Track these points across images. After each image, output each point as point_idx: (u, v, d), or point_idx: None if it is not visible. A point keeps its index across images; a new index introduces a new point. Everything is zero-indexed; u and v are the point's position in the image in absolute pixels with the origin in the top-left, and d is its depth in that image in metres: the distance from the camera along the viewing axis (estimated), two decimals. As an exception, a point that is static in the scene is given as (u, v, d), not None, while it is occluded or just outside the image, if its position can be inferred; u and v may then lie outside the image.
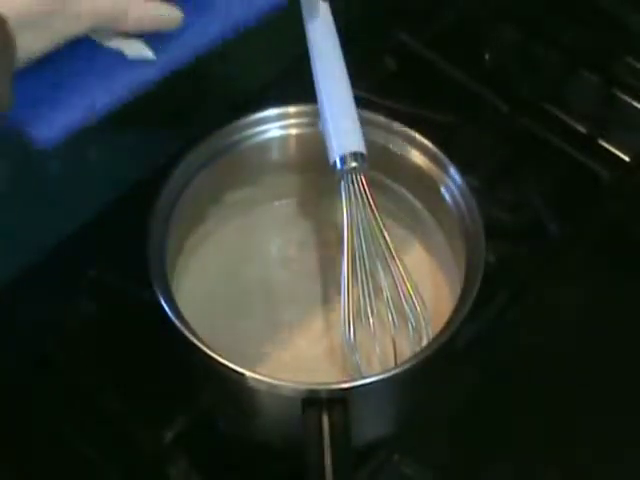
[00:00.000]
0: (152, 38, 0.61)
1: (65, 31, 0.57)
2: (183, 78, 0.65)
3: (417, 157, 0.75)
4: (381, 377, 0.64)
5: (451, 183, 0.73)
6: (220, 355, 0.64)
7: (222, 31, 0.64)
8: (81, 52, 0.59)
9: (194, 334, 0.65)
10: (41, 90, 0.58)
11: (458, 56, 0.93)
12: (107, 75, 0.60)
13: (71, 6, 0.56)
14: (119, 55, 0.61)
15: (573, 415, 0.74)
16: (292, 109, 0.77)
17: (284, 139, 0.77)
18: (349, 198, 0.70)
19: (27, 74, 0.57)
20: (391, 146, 0.76)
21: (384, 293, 0.70)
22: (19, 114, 0.57)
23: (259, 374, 0.65)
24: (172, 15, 0.61)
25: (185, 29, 0.62)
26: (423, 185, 0.75)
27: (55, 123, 0.58)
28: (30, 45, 0.55)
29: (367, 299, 0.69)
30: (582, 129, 0.90)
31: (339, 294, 0.71)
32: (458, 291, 0.68)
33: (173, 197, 0.72)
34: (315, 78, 0.74)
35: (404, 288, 0.70)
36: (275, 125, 0.76)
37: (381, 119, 0.76)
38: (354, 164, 0.70)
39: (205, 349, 0.64)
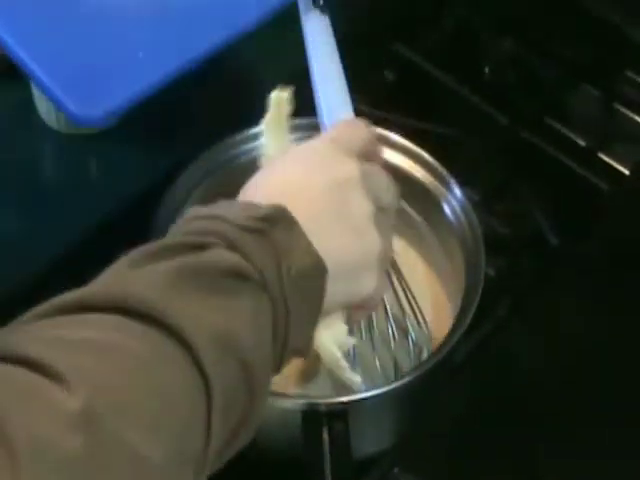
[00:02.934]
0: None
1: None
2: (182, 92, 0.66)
3: (417, 170, 0.75)
4: (381, 391, 0.64)
5: (451, 196, 0.73)
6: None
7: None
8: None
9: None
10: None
11: (458, 69, 0.94)
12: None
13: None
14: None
15: (574, 427, 0.73)
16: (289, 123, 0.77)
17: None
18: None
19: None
20: (391, 159, 0.76)
21: (384, 306, 0.70)
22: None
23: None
24: None
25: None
26: (423, 198, 0.75)
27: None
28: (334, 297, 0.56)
29: (367, 312, 0.69)
30: (582, 142, 0.91)
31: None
32: (458, 304, 0.68)
33: (173, 211, 0.72)
34: (314, 88, 0.74)
35: (404, 301, 0.70)
36: (273, 139, 0.76)
37: (381, 132, 0.76)
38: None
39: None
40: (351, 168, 0.58)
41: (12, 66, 0.68)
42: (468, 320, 0.66)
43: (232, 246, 0.50)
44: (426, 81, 0.94)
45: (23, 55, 0.66)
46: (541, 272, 0.81)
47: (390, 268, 0.70)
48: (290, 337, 0.52)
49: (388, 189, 0.60)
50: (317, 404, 0.64)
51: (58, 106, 0.66)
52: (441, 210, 0.74)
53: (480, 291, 0.67)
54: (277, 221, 0.52)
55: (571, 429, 0.73)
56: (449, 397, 0.73)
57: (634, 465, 0.72)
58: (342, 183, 0.57)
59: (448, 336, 0.66)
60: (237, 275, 0.49)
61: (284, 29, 0.72)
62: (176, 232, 0.52)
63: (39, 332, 0.44)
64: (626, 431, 0.73)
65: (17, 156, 0.81)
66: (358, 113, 0.74)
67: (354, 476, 0.65)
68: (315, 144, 0.61)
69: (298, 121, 0.76)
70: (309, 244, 0.53)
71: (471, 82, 0.93)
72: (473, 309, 0.67)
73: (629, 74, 0.95)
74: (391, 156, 0.75)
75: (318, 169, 0.58)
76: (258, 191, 0.58)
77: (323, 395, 0.69)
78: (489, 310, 0.76)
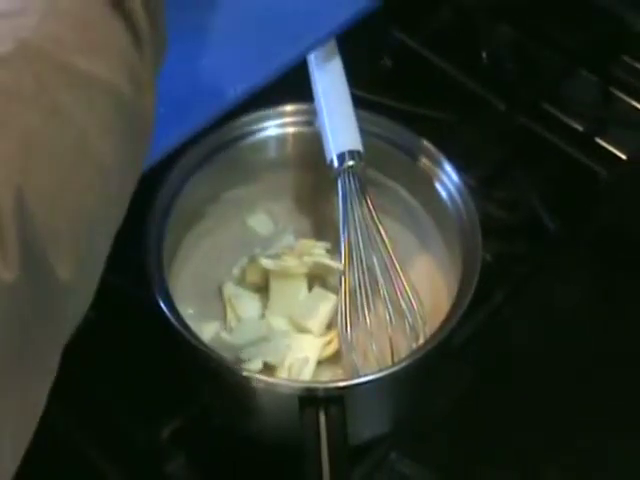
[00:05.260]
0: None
1: None
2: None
3: (414, 155, 0.75)
4: (378, 376, 0.64)
5: (448, 181, 0.73)
6: (218, 354, 0.65)
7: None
8: None
9: (191, 333, 0.65)
10: None
11: (455, 54, 0.93)
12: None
13: None
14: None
15: (570, 413, 0.73)
16: (289, 107, 0.77)
17: (281, 137, 0.77)
18: (346, 196, 0.71)
19: None
20: (388, 145, 0.76)
21: (381, 291, 0.70)
22: None
23: (256, 372, 0.66)
24: None
25: None
26: (420, 183, 0.75)
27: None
28: None
29: (364, 297, 0.69)
30: (579, 127, 0.90)
31: (336, 292, 0.71)
32: (455, 289, 0.68)
33: (171, 195, 0.72)
34: (312, 77, 0.74)
35: (401, 286, 0.70)
36: (272, 123, 0.76)
37: (378, 117, 0.76)
38: (351, 162, 0.71)
39: (202, 348, 0.64)
40: None
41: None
42: (465, 305, 0.66)
43: None
44: (424, 67, 0.94)
45: None
46: (539, 257, 0.81)
47: (386, 250, 0.70)
48: None
49: None
50: (314, 389, 0.64)
51: None
52: (438, 195, 0.74)
53: (477, 276, 0.67)
54: None
55: (568, 415, 0.73)
56: (446, 382, 0.74)
57: (635, 448, 0.72)
58: None
59: (445, 321, 0.66)
60: None
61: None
62: None
63: None
64: (624, 417, 0.74)
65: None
66: (355, 99, 0.74)
67: (351, 461, 0.65)
68: None
69: (297, 107, 0.77)
70: None
71: (468, 68, 0.92)
72: (470, 294, 0.67)
73: (627, 60, 0.95)
74: (388, 141, 0.75)
75: None
76: None
77: (320, 380, 0.69)
78: (486, 295, 0.76)
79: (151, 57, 0.49)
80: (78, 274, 0.43)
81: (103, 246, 0.46)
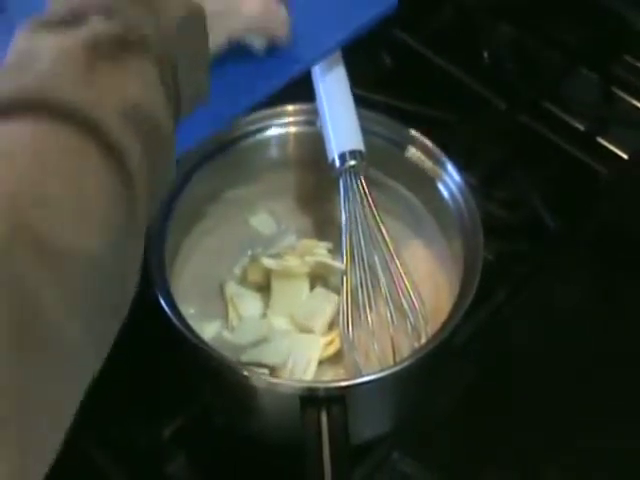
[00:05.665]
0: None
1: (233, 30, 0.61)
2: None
3: (415, 155, 0.75)
4: (380, 375, 0.64)
5: (449, 181, 0.73)
6: (219, 353, 0.65)
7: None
8: None
9: (192, 332, 0.65)
10: None
11: (456, 54, 0.93)
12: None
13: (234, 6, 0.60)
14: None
15: (570, 413, 0.73)
16: (291, 107, 0.77)
17: (283, 137, 0.77)
18: (348, 196, 0.71)
19: None
20: (389, 144, 0.76)
21: (383, 290, 0.70)
22: None
23: (258, 372, 0.66)
24: None
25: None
26: (421, 183, 0.75)
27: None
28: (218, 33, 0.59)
29: (366, 297, 0.69)
30: (580, 127, 0.90)
31: (338, 292, 0.71)
32: (456, 288, 0.68)
33: (172, 194, 0.72)
34: (314, 77, 0.74)
35: (403, 285, 0.70)
36: (274, 123, 0.76)
37: (379, 117, 0.76)
38: (353, 162, 0.71)
39: (204, 347, 0.64)
40: None
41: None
42: (467, 304, 0.66)
43: (110, 13, 0.49)
44: (424, 66, 0.94)
45: None
46: (539, 257, 0.81)
47: (388, 250, 0.70)
48: (181, 87, 0.52)
49: None
50: (315, 388, 0.64)
51: None
52: (439, 194, 0.74)
53: (479, 275, 0.67)
54: None
55: (569, 414, 0.73)
56: (447, 381, 0.73)
57: (635, 445, 0.72)
58: None
59: (446, 320, 0.66)
60: (118, 44, 0.48)
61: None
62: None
63: None
64: (624, 414, 0.74)
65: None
66: (356, 98, 0.74)
67: (352, 461, 0.65)
68: None
69: (298, 106, 0.77)
70: None
71: (469, 67, 0.92)
72: (472, 293, 0.67)
73: (628, 59, 0.95)
74: (389, 140, 0.75)
75: None
76: None
77: (321, 379, 0.69)
78: (487, 294, 0.76)
79: (145, 188, 0.47)
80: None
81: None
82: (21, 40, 0.49)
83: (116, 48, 0.48)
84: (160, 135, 0.49)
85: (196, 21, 0.54)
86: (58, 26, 0.49)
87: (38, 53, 0.47)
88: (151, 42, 0.50)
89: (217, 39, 0.59)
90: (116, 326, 0.47)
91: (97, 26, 0.49)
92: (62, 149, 0.44)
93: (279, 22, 0.65)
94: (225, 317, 0.73)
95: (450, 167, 0.73)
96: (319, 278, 0.73)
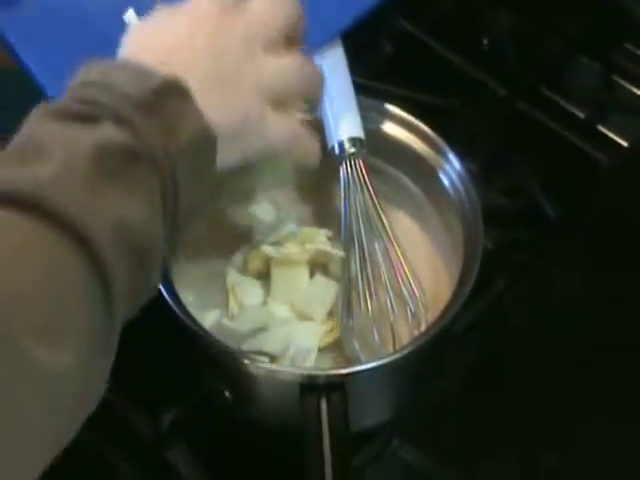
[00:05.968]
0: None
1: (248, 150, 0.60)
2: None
3: (415, 142, 0.75)
4: (379, 363, 0.64)
5: (449, 168, 0.73)
6: (219, 340, 0.65)
7: None
8: None
9: (193, 320, 0.65)
10: None
11: (456, 41, 0.93)
12: None
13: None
14: None
15: (569, 401, 0.74)
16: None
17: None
18: (348, 183, 0.70)
19: None
20: (389, 131, 0.76)
21: (383, 278, 0.70)
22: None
23: (258, 360, 0.66)
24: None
25: None
26: (421, 170, 0.75)
27: None
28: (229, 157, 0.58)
29: (365, 284, 0.69)
30: (581, 114, 0.90)
31: (338, 279, 0.71)
32: (456, 276, 0.68)
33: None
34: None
35: (402, 273, 0.70)
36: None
37: (379, 104, 0.76)
38: (353, 149, 0.71)
39: (203, 334, 0.64)
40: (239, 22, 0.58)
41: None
42: (467, 292, 0.66)
43: (121, 122, 0.49)
44: (424, 53, 0.93)
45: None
46: (538, 245, 0.81)
47: (388, 238, 0.70)
48: (180, 202, 0.52)
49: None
50: (315, 376, 0.64)
51: None
52: (439, 182, 0.73)
53: (479, 263, 0.67)
54: (169, 93, 0.52)
55: (568, 401, 0.74)
56: (447, 369, 0.74)
57: (635, 432, 0.73)
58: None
59: (446, 308, 0.66)
60: (124, 156, 0.49)
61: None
62: (68, 94, 0.51)
63: None
64: (622, 403, 0.74)
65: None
66: (356, 85, 0.74)
67: (352, 448, 0.65)
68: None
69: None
70: (200, 117, 0.53)
71: (469, 54, 0.92)
72: (472, 281, 0.66)
73: (628, 47, 0.95)
74: (389, 128, 0.75)
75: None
76: (145, 44, 0.57)
77: (321, 367, 0.69)
78: (487, 282, 0.76)
79: (125, 305, 0.48)
80: None
81: None
82: (32, 124, 0.49)
83: (121, 160, 0.48)
84: (149, 253, 0.49)
85: (206, 141, 0.54)
86: (72, 121, 0.49)
87: (44, 147, 0.47)
88: (158, 156, 0.50)
89: (231, 158, 0.58)
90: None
91: (107, 132, 0.49)
92: (45, 254, 0.44)
93: (309, 152, 0.65)
94: (225, 305, 0.73)
95: (450, 154, 0.73)
96: (319, 266, 0.73)
